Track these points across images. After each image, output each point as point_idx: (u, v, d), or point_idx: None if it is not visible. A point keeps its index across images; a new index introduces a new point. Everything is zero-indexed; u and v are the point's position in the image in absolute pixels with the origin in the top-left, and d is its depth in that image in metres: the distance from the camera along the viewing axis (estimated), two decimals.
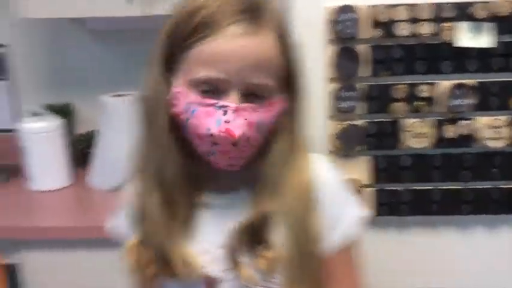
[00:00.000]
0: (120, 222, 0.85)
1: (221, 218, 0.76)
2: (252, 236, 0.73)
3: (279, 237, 0.73)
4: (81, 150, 1.73)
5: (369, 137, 1.07)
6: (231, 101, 0.68)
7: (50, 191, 1.61)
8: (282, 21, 0.72)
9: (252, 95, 0.68)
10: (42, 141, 1.60)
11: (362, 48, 1.04)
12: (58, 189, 1.62)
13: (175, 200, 0.75)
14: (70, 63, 1.80)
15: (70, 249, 1.43)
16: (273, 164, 0.73)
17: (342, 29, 1.02)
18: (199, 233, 0.77)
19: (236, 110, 0.67)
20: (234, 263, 0.74)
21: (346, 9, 1.01)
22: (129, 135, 1.56)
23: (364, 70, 1.06)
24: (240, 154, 0.71)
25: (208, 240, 0.77)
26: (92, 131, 1.75)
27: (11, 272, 1.46)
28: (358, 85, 1.06)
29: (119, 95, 1.59)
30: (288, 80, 0.72)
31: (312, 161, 0.78)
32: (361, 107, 1.07)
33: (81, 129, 1.80)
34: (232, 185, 0.78)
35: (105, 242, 1.40)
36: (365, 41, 1.04)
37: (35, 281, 1.46)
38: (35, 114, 1.68)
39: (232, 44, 0.66)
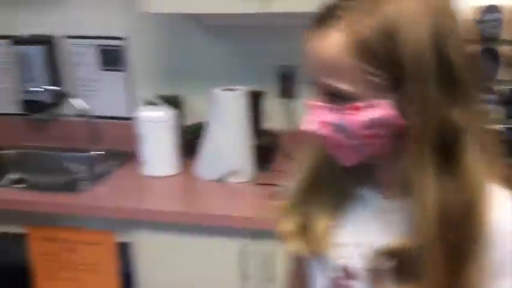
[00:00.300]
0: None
1: (375, 218, 0.75)
2: (395, 262, 0.70)
3: (422, 272, 0.68)
4: (188, 141, 1.80)
5: (505, 144, 1.01)
6: (313, 98, 0.70)
7: (160, 177, 1.69)
8: (372, 27, 0.64)
9: (334, 96, 0.68)
10: (156, 130, 1.68)
11: (505, 50, 0.99)
12: (167, 176, 1.70)
13: (327, 181, 0.77)
14: (183, 56, 1.88)
15: (176, 232, 1.49)
16: (408, 183, 0.68)
17: (486, 29, 0.97)
18: (350, 224, 0.77)
19: (310, 107, 0.70)
20: (374, 279, 0.73)
21: (492, 9, 0.97)
22: (237, 129, 1.62)
23: (505, 73, 1.00)
24: (335, 152, 0.71)
25: (356, 234, 0.76)
26: (200, 123, 1.82)
27: (124, 249, 1.56)
28: (496, 88, 1.00)
29: (230, 89, 1.63)
30: (394, 86, 0.65)
31: (487, 195, 0.68)
32: (498, 111, 1.01)
33: (188, 120, 1.87)
34: (393, 190, 0.74)
35: (208, 229, 1.46)
36: (509, 42, 0.98)
37: (144, 259, 1.54)
38: (149, 103, 1.78)
39: (311, 44, 0.68)
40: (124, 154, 1.82)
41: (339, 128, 0.68)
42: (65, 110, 1.99)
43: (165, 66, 1.91)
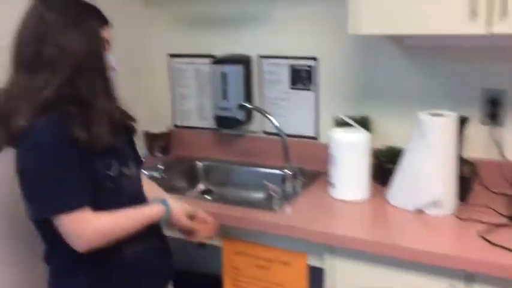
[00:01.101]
0: None
1: None
2: None
3: None
4: (379, 165, 1.72)
5: None
6: None
7: (350, 201, 1.64)
8: None
9: None
10: (349, 152, 1.64)
11: None
12: (357, 201, 1.64)
13: None
14: (376, 77, 1.82)
15: (372, 264, 1.42)
16: None
17: None
18: None
19: None
20: None
21: None
22: (443, 157, 1.49)
23: None
24: None
25: None
26: (393, 147, 1.73)
27: (316, 274, 1.53)
28: None
29: (437, 114, 1.52)
30: None
31: None
32: None
33: (376, 143, 1.79)
34: None
35: (407, 264, 1.36)
36: None
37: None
38: (341, 124, 1.74)
39: None
40: (310, 174, 1.81)
41: None
42: (254, 126, 2.06)
43: (356, 87, 1.86)
